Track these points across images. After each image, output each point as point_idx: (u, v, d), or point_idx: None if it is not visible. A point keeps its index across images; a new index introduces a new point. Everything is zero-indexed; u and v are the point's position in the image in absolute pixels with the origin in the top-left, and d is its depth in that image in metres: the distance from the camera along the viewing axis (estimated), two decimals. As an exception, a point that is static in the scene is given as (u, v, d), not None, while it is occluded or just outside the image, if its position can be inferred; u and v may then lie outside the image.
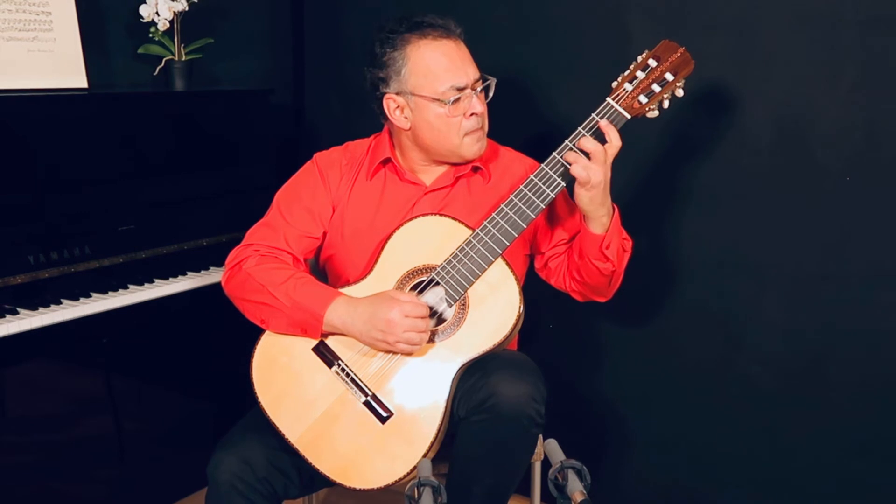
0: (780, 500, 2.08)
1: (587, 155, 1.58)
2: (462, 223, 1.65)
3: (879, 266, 1.88)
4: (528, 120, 2.31)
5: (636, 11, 2.11)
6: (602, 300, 1.80)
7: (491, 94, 1.74)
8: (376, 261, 1.68)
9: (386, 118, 1.75)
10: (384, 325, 1.56)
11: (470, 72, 1.69)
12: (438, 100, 1.67)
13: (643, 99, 1.61)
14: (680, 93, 1.63)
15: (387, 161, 1.79)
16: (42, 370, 2.04)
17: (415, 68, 1.69)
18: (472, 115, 1.69)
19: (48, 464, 2.09)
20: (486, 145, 1.75)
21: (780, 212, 1.98)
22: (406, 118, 1.73)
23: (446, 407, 1.58)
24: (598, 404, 2.33)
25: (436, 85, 1.67)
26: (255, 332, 1.70)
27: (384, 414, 1.60)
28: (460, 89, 1.67)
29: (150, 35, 2.33)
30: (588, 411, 2.34)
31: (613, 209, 1.66)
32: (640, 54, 1.64)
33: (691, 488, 2.20)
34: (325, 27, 2.75)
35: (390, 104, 1.73)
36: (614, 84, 1.63)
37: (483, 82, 1.72)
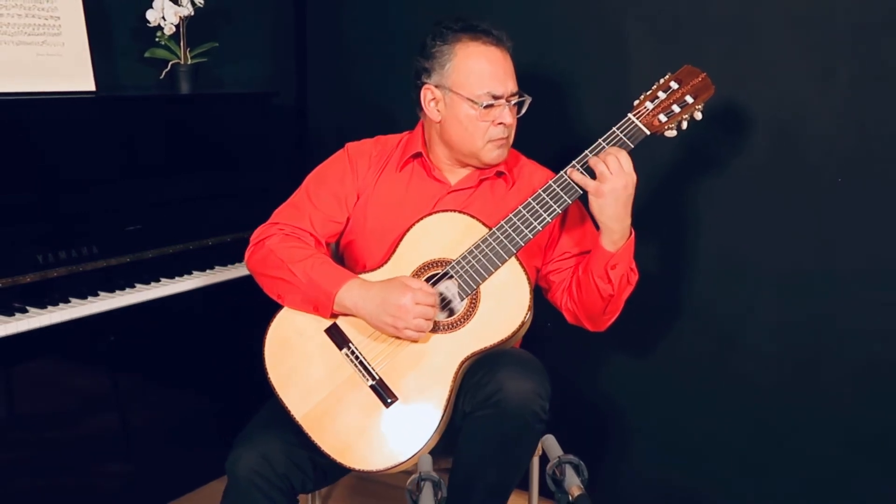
0: (775, 495, 2.10)
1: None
2: (480, 221, 1.69)
3: (872, 265, 1.91)
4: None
5: (632, 15, 2.14)
6: (592, 328, 1.80)
7: (523, 111, 1.77)
8: (394, 251, 1.72)
9: (421, 108, 1.80)
10: (395, 310, 1.60)
11: (509, 84, 1.73)
12: (472, 101, 1.72)
13: (662, 118, 1.66)
14: (699, 115, 1.68)
15: (417, 155, 1.83)
16: (50, 367, 2.06)
17: (459, 66, 1.73)
18: (499, 124, 1.73)
19: (57, 459, 2.11)
20: (506, 153, 1.79)
21: (774, 212, 2.01)
22: (438, 111, 1.78)
23: (449, 397, 1.61)
24: (594, 402, 2.35)
25: (474, 87, 1.72)
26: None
27: (389, 399, 1.63)
28: (496, 97, 1.72)
29: (157, 39, 2.36)
30: (585, 409, 2.36)
31: (630, 232, 1.68)
32: (663, 76, 1.69)
33: (687, 485, 2.22)
34: (327, 31, 2.77)
35: (427, 94, 1.78)
36: (636, 102, 1.67)
37: (519, 97, 1.76)
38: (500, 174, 1.83)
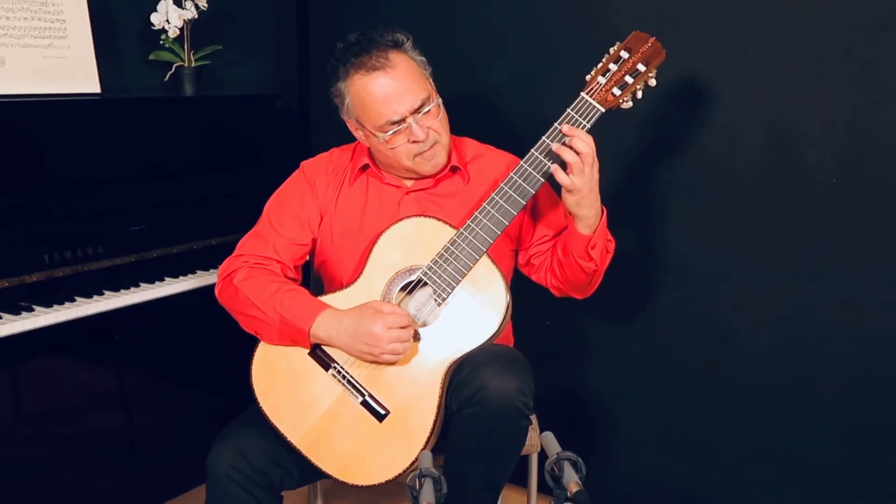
0: (766, 492, 2.12)
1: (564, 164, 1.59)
2: (446, 223, 1.68)
3: (865, 265, 1.92)
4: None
5: (627, 16, 2.15)
6: (579, 297, 1.81)
7: (441, 114, 1.72)
8: (364, 265, 1.71)
9: None
10: (368, 338, 1.59)
11: (407, 101, 1.67)
12: (375, 133, 1.71)
13: (616, 91, 1.62)
14: (653, 82, 1.64)
15: (366, 167, 1.82)
16: (56, 366, 2.08)
17: (354, 103, 1.72)
18: (414, 141, 1.69)
19: (62, 456, 2.14)
20: (443, 157, 1.75)
21: (768, 212, 2.03)
22: (364, 139, 1.78)
23: (439, 403, 1.61)
24: (591, 399, 2.37)
25: (373, 119, 1.69)
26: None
27: (381, 412, 1.63)
28: (396, 122, 1.68)
29: (161, 42, 2.38)
30: (582, 406, 2.38)
31: (602, 211, 1.67)
32: (612, 46, 1.65)
33: (682, 481, 2.24)
34: (330, 34, 2.78)
35: (350, 125, 1.78)
36: (588, 77, 1.63)
37: (429, 106, 1.69)
38: (455, 169, 1.81)
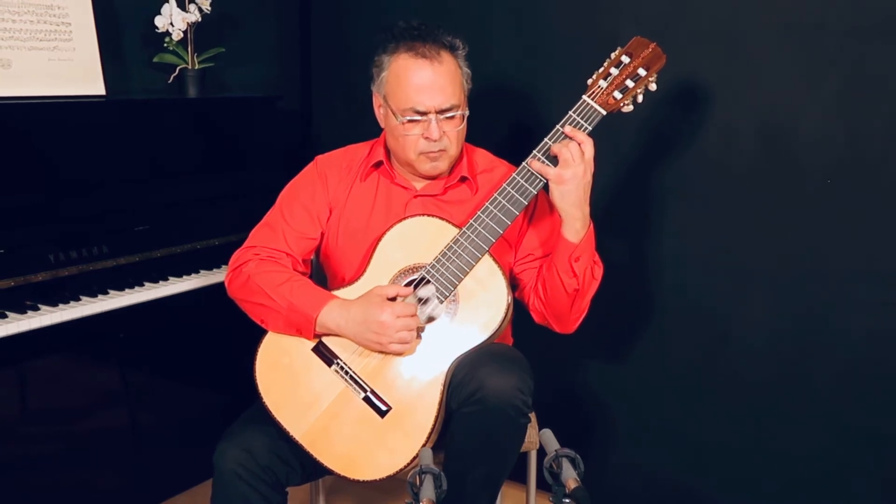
0: (764, 489, 2.14)
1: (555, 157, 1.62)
2: (449, 222, 1.70)
3: (859, 265, 1.94)
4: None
5: (626, 19, 2.17)
6: (560, 329, 1.79)
7: (462, 125, 1.74)
8: (368, 262, 1.73)
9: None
10: (377, 326, 1.61)
11: (438, 99, 1.69)
12: (395, 115, 1.72)
13: (617, 95, 1.64)
14: (653, 87, 1.66)
15: (379, 164, 1.84)
16: (61, 364, 2.10)
17: (389, 77, 1.73)
18: (427, 138, 1.71)
19: (67, 453, 2.15)
20: (444, 165, 1.77)
21: (765, 212, 2.04)
22: (382, 117, 1.80)
23: (441, 399, 1.63)
24: (590, 397, 2.38)
25: (400, 101, 1.71)
26: (262, 329, 1.75)
27: (383, 408, 1.64)
28: (420, 112, 1.70)
29: (165, 45, 2.40)
30: (581, 404, 2.40)
31: (590, 223, 1.69)
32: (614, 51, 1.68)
33: (681, 479, 2.26)
34: (331, 36, 2.81)
35: (376, 100, 1.80)
36: (589, 81, 1.66)
37: (454, 111, 1.71)
38: (463, 179, 1.83)
